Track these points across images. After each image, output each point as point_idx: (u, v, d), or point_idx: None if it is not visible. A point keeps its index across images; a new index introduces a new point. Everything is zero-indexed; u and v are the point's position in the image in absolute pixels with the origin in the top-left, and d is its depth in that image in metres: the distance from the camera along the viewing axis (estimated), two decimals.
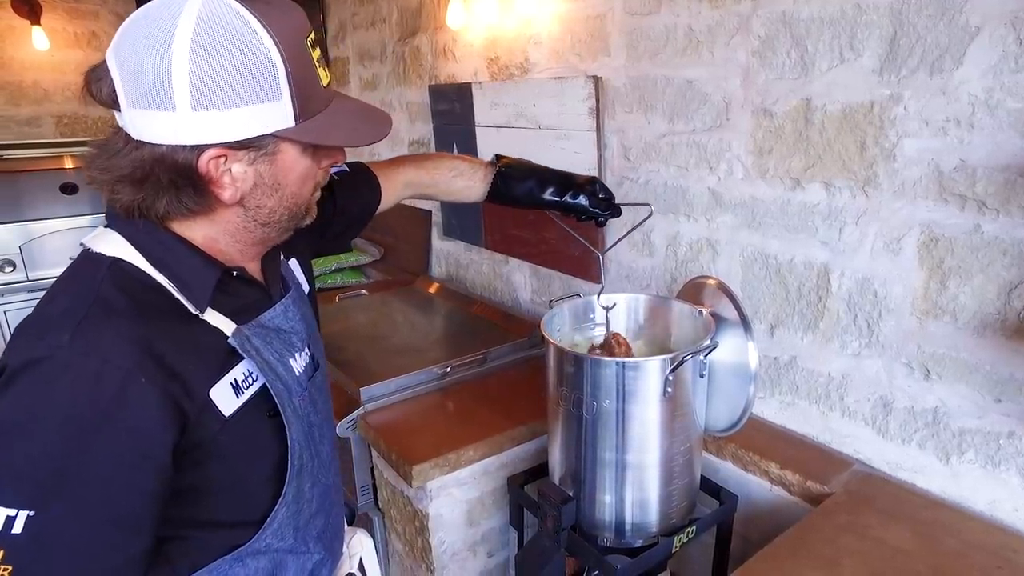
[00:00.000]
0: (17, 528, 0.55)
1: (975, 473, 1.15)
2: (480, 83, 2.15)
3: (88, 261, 0.69)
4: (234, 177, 0.68)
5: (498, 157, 1.29)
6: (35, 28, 2.86)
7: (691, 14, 1.44)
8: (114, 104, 0.62)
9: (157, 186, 0.66)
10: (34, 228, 2.64)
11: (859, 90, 1.18)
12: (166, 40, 0.58)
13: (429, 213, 2.69)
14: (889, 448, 1.27)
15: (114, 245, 0.69)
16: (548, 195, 1.25)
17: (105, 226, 0.72)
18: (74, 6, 3.04)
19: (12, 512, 0.55)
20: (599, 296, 1.29)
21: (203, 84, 0.60)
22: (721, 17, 1.38)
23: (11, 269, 2.61)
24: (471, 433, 1.49)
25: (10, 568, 0.54)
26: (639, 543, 1.20)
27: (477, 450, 1.47)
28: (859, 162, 1.21)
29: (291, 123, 0.67)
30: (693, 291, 1.28)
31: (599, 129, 1.72)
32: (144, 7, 0.60)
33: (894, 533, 1.10)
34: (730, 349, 1.17)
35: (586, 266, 1.88)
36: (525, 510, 1.43)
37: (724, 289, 1.20)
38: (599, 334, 1.35)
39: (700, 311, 1.22)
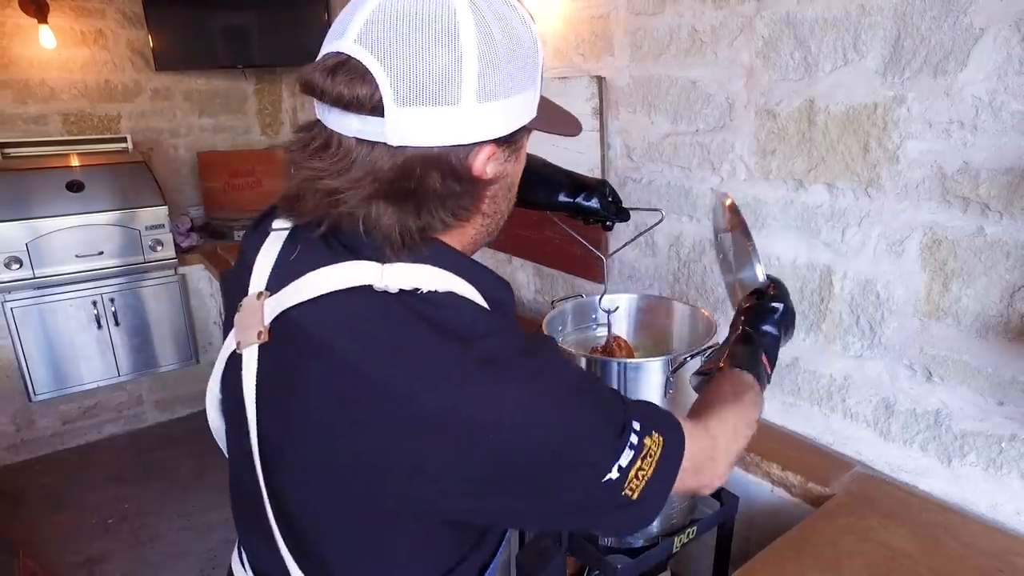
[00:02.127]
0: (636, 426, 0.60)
1: (977, 476, 1.15)
2: None
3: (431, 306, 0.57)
4: (494, 180, 0.60)
5: None
6: (42, 27, 2.87)
7: (695, 14, 1.44)
8: (371, 110, 0.52)
9: (423, 197, 0.56)
10: (41, 226, 2.65)
11: (863, 91, 1.18)
12: (450, 29, 0.51)
13: None
14: (891, 450, 1.27)
15: (438, 279, 0.58)
16: (562, 197, 1.19)
17: (366, 257, 0.57)
18: (81, 5, 3.05)
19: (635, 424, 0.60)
20: (601, 299, 1.29)
21: (490, 72, 0.53)
22: (725, 18, 1.38)
23: (18, 266, 2.62)
24: None
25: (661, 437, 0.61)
26: (640, 543, 1.20)
27: None
28: (862, 164, 1.20)
29: (534, 112, 0.60)
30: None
31: (603, 129, 1.72)
32: (397, 4, 0.52)
33: (895, 535, 1.10)
34: None
35: (589, 266, 1.89)
36: None
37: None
38: (601, 335, 1.35)
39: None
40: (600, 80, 1.68)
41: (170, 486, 2.71)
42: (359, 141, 0.54)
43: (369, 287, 0.56)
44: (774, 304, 0.93)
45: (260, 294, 0.61)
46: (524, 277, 2.24)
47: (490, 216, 0.64)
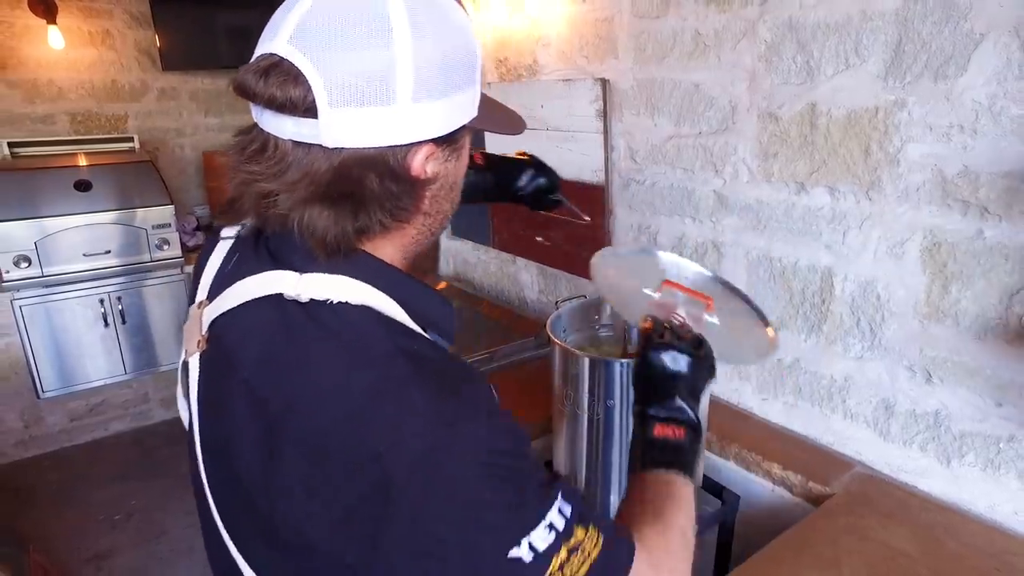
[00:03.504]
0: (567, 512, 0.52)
1: (975, 476, 1.16)
2: (489, 84, 2.16)
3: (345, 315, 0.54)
4: (433, 179, 0.58)
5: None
6: (51, 27, 2.90)
7: (698, 18, 1.46)
8: (305, 111, 0.51)
9: (361, 199, 0.54)
10: (49, 224, 2.67)
11: (864, 95, 1.19)
12: (383, 28, 0.50)
13: None
14: (891, 450, 1.28)
15: (354, 291, 0.55)
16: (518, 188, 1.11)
17: (299, 271, 0.55)
18: (89, 5, 3.08)
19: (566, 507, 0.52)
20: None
21: (425, 71, 0.52)
22: (728, 21, 1.39)
23: (26, 265, 2.65)
24: None
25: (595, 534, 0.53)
26: None
27: None
28: (863, 167, 1.22)
29: (475, 112, 0.59)
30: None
31: (606, 131, 1.74)
32: (330, 4, 0.51)
33: (894, 535, 1.11)
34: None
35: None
36: None
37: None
38: (605, 335, 1.37)
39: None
40: (604, 82, 1.69)
41: (175, 483, 2.73)
42: (295, 144, 0.52)
43: (279, 296, 0.54)
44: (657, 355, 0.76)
45: (200, 303, 0.62)
46: (528, 277, 2.25)
47: (432, 216, 0.61)
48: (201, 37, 3.28)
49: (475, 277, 2.53)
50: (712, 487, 1.37)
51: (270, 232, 0.58)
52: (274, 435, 0.52)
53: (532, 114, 1.97)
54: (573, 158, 1.85)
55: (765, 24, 1.32)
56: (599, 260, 0.99)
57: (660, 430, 0.72)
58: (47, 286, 2.70)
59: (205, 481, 0.63)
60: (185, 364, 0.64)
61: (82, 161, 2.96)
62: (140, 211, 2.87)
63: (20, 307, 2.68)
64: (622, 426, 1.13)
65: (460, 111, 0.56)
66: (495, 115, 0.65)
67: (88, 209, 2.77)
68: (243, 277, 0.58)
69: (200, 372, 0.62)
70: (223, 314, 0.59)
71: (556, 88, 1.85)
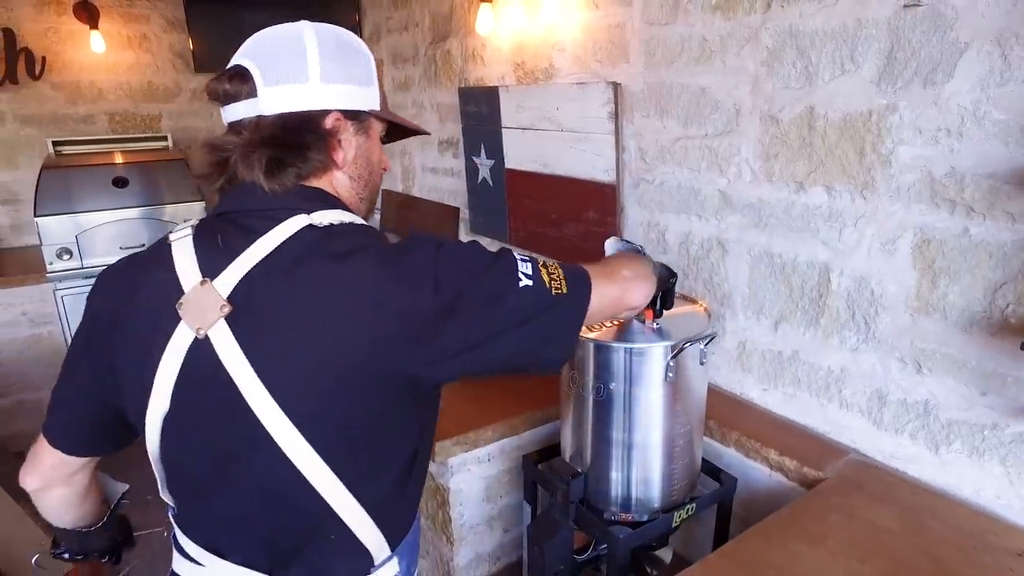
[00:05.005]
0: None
1: (961, 462, 1.22)
2: (507, 86, 2.25)
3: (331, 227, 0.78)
4: (344, 141, 0.81)
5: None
6: (93, 32, 3.06)
7: (705, 25, 1.53)
8: (248, 94, 0.76)
9: (292, 144, 0.77)
10: (89, 219, 2.83)
11: (859, 100, 1.25)
12: (298, 38, 0.78)
13: (457, 210, 2.81)
14: (883, 438, 1.34)
15: (343, 216, 0.79)
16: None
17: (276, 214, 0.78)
18: (128, 11, 3.23)
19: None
20: None
21: (327, 63, 0.78)
22: (732, 28, 1.47)
23: (68, 257, 2.80)
24: (489, 415, 1.60)
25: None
26: (644, 517, 1.30)
27: (495, 431, 1.58)
28: (858, 167, 1.28)
29: (378, 107, 0.84)
30: None
31: (618, 132, 1.81)
32: (267, 31, 0.81)
33: (880, 514, 1.17)
34: None
35: None
36: (539, 486, 1.53)
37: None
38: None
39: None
40: (616, 86, 1.77)
41: None
42: (248, 119, 0.77)
43: (310, 226, 0.75)
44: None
45: (202, 281, 0.73)
46: None
47: (355, 179, 0.84)
48: (233, 39, 3.29)
49: None
50: (712, 471, 1.44)
51: (234, 206, 0.78)
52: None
53: (548, 115, 2.05)
54: (586, 158, 1.93)
55: (767, 31, 1.39)
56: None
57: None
58: (87, 277, 2.85)
59: (281, 416, 0.71)
60: (195, 345, 0.72)
61: (119, 159, 3.11)
62: (173, 206, 3.01)
63: (62, 297, 2.84)
64: (624, 407, 1.21)
65: (359, 97, 0.81)
66: (403, 119, 0.91)
67: (125, 204, 2.92)
68: (251, 241, 0.74)
69: (238, 326, 0.71)
70: (260, 261, 0.73)
71: (571, 91, 1.93)
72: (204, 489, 0.80)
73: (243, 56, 0.79)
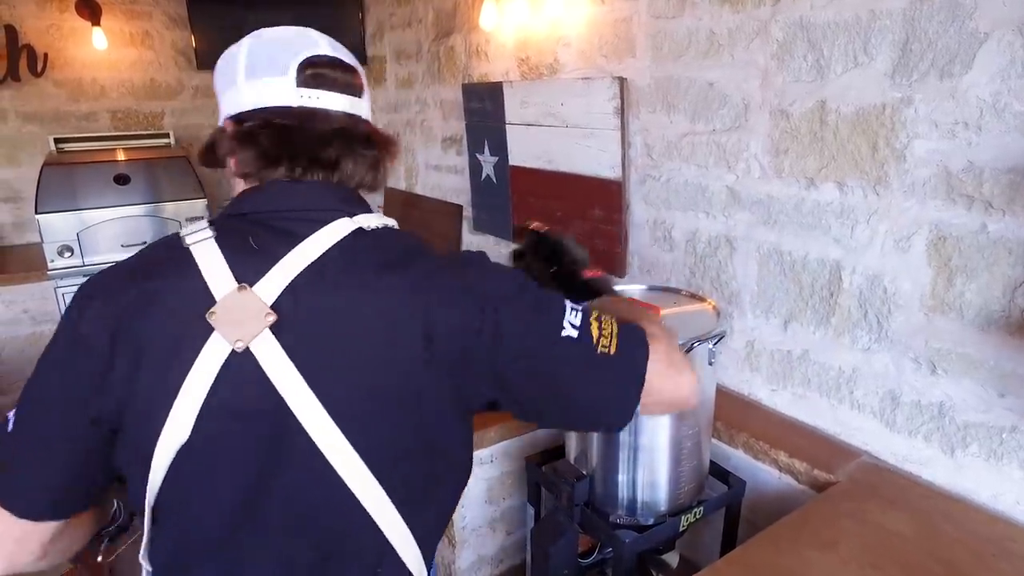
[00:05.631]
0: None
1: (978, 466, 1.19)
2: (511, 82, 2.22)
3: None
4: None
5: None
6: (95, 29, 3.04)
7: (713, 18, 1.50)
8: (361, 91, 0.81)
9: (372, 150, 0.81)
10: (90, 216, 2.81)
11: (872, 93, 1.22)
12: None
13: (460, 208, 2.78)
14: (896, 440, 1.31)
15: (372, 218, 0.78)
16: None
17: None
18: (130, 8, 3.22)
19: None
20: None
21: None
22: (741, 21, 1.43)
23: (69, 254, 2.78)
24: (491, 415, 1.57)
25: None
26: (650, 521, 1.27)
27: (497, 431, 1.55)
28: (871, 162, 1.25)
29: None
30: None
31: (624, 128, 1.78)
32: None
33: (893, 519, 1.14)
34: None
35: (609, 261, 1.94)
36: (542, 488, 1.50)
37: None
38: None
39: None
40: (622, 81, 1.74)
41: None
42: (355, 114, 0.78)
43: (360, 230, 0.71)
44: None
45: (240, 287, 0.64)
46: None
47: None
48: (235, 37, 3.30)
49: None
50: (719, 473, 1.41)
51: (263, 206, 0.72)
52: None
53: (552, 111, 2.02)
54: (592, 154, 1.90)
55: (777, 24, 1.36)
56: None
57: (587, 274, 1.08)
58: (88, 275, 2.83)
59: (336, 431, 0.64)
60: (232, 359, 0.63)
61: (121, 156, 3.09)
62: (175, 204, 2.99)
63: (63, 295, 2.82)
64: None
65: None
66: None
67: (126, 202, 2.90)
68: (294, 245, 0.67)
69: (285, 337, 0.64)
70: (310, 265, 0.66)
71: (576, 86, 1.90)
72: (221, 541, 0.68)
73: (334, 51, 0.81)
